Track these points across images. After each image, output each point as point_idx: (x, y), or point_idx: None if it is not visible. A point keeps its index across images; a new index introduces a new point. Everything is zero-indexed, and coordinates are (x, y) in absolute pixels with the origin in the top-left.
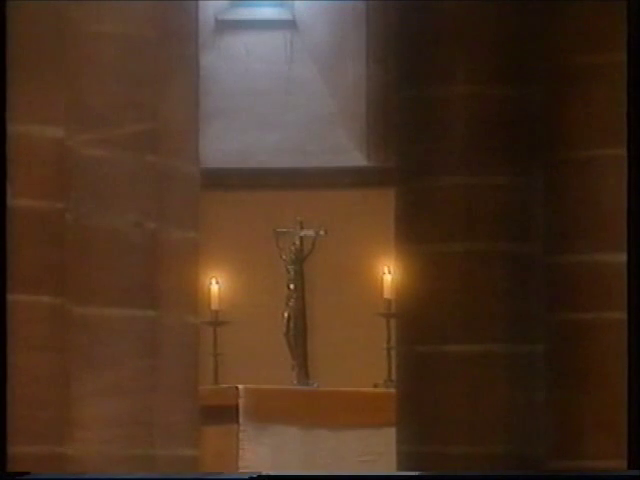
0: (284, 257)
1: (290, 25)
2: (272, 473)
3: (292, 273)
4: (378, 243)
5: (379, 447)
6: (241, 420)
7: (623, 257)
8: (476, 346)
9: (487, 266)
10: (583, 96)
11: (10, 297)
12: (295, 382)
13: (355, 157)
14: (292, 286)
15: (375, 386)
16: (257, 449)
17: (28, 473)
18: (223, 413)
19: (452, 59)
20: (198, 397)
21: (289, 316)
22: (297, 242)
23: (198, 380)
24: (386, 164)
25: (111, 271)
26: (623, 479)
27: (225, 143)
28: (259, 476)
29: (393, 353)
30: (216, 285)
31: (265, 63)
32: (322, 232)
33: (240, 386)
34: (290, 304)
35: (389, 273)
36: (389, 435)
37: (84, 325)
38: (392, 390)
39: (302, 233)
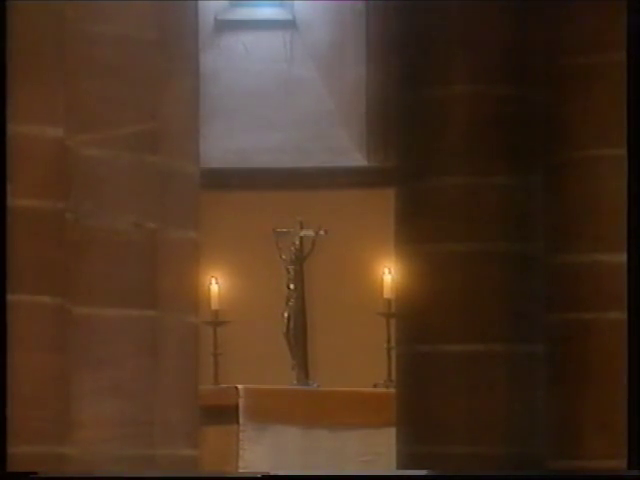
0: (284, 257)
1: (290, 25)
2: (272, 473)
3: (292, 273)
4: (378, 243)
5: (379, 447)
6: (241, 420)
7: (623, 257)
8: (476, 346)
9: (487, 266)
10: (583, 96)
11: (10, 297)
12: (295, 382)
13: (355, 157)
14: (292, 286)
15: (375, 386)
16: (257, 449)
17: (28, 473)
18: (223, 413)
19: (452, 59)
20: (198, 397)
21: (289, 316)
22: (297, 242)
23: (198, 380)
24: (386, 164)
25: (111, 271)
26: (623, 479)
27: (225, 143)
28: (262, 476)
29: (393, 353)
30: (216, 285)
31: (265, 63)
32: (322, 232)
33: (240, 386)
34: (290, 304)
35: (389, 273)
36: (389, 435)
37: (84, 325)
38: (392, 390)
39: (302, 233)
